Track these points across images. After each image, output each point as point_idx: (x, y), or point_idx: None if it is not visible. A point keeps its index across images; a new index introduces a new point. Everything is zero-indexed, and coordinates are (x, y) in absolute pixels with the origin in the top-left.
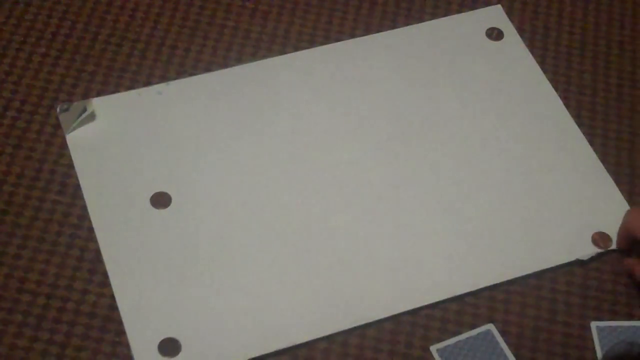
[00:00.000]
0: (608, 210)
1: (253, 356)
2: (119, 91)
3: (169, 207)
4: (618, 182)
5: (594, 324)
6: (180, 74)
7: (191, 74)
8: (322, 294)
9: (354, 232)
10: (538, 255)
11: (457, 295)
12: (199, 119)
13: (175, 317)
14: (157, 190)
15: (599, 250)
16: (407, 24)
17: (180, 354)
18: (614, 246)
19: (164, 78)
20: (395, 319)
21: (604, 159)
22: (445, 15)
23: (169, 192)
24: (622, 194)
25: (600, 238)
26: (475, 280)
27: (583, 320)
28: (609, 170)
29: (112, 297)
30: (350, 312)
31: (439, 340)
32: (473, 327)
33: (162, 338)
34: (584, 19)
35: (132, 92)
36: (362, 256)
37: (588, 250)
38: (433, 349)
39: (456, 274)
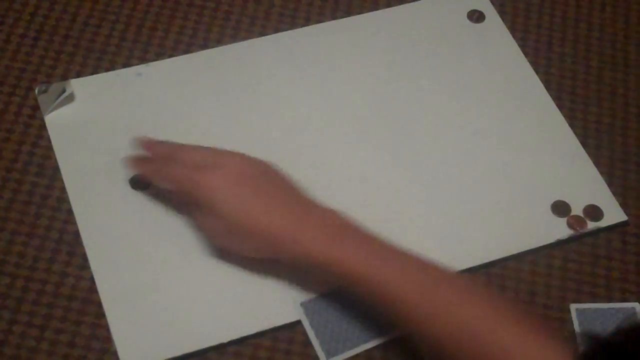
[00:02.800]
0: (588, 194)
1: (232, 339)
2: (98, 72)
3: (148, 189)
4: (598, 165)
5: (573, 306)
6: (160, 55)
7: (171, 56)
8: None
9: None
10: (518, 237)
11: None
12: (179, 101)
13: (155, 299)
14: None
15: (575, 233)
16: (388, 6)
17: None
18: (590, 229)
19: (143, 59)
20: None
21: (584, 142)
22: None
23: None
24: (602, 176)
25: (575, 221)
26: (455, 262)
27: (562, 303)
28: (589, 153)
29: (92, 279)
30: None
31: None
32: None
33: (142, 320)
34: (565, 2)
35: (112, 73)
36: None
37: (565, 233)
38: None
39: (436, 256)
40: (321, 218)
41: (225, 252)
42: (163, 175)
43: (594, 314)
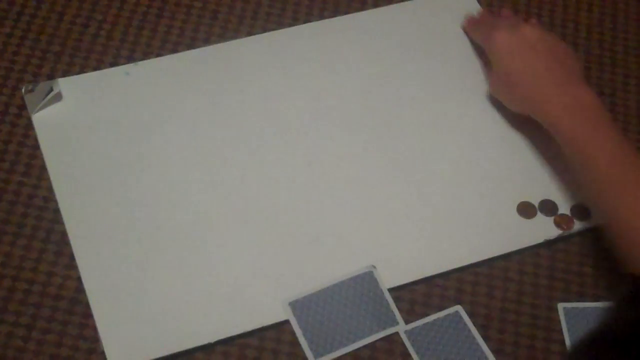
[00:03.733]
0: (575, 193)
1: (219, 338)
2: (85, 72)
3: None
4: None
5: (560, 305)
6: (147, 54)
7: (158, 55)
8: (286, 277)
9: (321, 214)
10: (506, 237)
11: (425, 277)
12: (167, 100)
13: (143, 299)
14: (124, 171)
15: (562, 233)
16: (376, 6)
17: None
18: (577, 228)
19: (130, 59)
20: None
21: None
22: None
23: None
24: None
25: (562, 220)
26: (443, 262)
27: (550, 302)
28: None
29: (79, 279)
30: None
31: (407, 322)
32: (441, 308)
33: (129, 320)
34: (552, 2)
35: (99, 72)
36: (330, 238)
37: (553, 232)
38: (401, 330)
39: (425, 256)
40: (574, 96)
41: (495, 99)
42: (473, 32)
43: (582, 313)
